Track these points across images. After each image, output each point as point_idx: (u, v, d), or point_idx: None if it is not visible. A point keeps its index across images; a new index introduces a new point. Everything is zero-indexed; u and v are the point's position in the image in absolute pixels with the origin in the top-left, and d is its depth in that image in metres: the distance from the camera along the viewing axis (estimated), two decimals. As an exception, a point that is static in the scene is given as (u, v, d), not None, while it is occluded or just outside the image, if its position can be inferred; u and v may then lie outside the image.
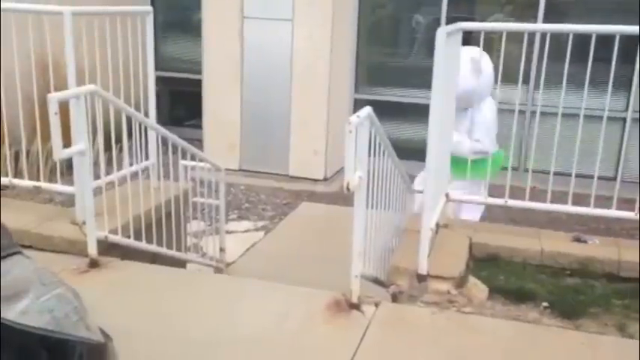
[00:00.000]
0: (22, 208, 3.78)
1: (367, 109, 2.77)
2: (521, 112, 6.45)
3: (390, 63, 7.37)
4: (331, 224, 5.01)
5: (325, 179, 6.56)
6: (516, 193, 3.64)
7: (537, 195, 3.61)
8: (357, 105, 6.94)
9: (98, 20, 3.51)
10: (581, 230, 4.10)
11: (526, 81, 6.35)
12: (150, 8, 3.82)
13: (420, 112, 6.94)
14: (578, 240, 3.48)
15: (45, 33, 3.51)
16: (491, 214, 4.88)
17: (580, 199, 3.60)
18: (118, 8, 3.63)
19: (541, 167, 4.16)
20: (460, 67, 3.77)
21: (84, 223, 3.17)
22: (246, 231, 5.44)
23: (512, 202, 3.58)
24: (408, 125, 7.08)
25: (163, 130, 3.74)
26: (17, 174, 3.88)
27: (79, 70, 3.33)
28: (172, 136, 3.74)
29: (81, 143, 2.91)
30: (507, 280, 3.17)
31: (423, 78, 7.11)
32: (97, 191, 3.27)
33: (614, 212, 3.44)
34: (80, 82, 3.29)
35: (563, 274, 3.24)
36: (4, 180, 3.79)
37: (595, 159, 3.43)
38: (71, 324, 1.19)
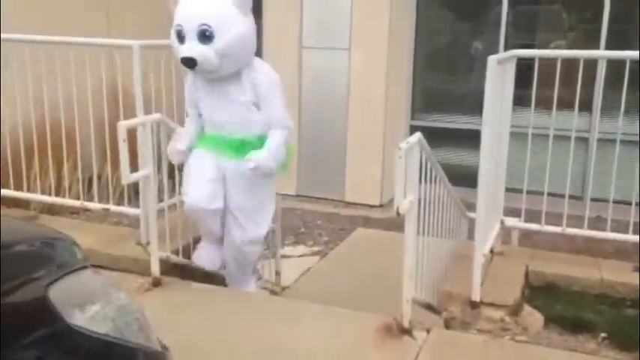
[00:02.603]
0: (93, 229, 4.02)
1: (417, 135, 2.82)
2: (584, 139, 6.30)
3: (447, 89, 7.37)
4: (386, 250, 5.02)
5: (381, 205, 6.59)
6: (578, 222, 3.57)
7: (602, 224, 3.54)
8: (413, 131, 6.92)
9: (166, 52, 3.73)
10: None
11: (588, 108, 6.21)
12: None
13: (477, 139, 6.89)
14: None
15: (116, 64, 3.76)
16: (552, 244, 4.75)
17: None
18: (183, 41, 3.84)
19: (603, 195, 4.06)
20: (222, 9, 2.84)
21: (148, 243, 3.34)
22: (301, 255, 5.51)
23: (570, 230, 3.52)
24: (465, 152, 7.03)
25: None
26: (89, 197, 4.12)
27: (146, 98, 3.54)
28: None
29: (147, 168, 3.09)
30: (565, 309, 3.11)
31: (481, 105, 7.07)
32: (161, 214, 3.44)
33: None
34: (147, 110, 3.50)
35: (624, 305, 3.15)
36: (76, 203, 4.04)
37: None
38: (132, 333, 1.30)
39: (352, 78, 6.50)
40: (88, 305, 1.26)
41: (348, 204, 6.61)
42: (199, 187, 3.04)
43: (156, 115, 3.23)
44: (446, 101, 7.27)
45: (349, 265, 5.11)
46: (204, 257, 3.34)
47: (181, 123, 3.67)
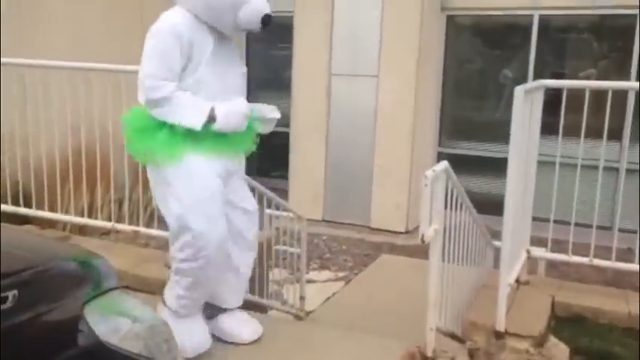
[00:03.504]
0: (122, 251, 4.11)
1: (444, 164, 2.85)
2: (613, 169, 6.22)
3: (474, 117, 7.39)
4: (410, 277, 5.01)
5: (407, 232, 6.59)
6: (607, 253, 3.53)
7: (631, 256, 3.50)
8: (440, 159, 6.96)
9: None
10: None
11: (618, 138, 6.14)
12: (245, 68, 4.14)
13: (504, 167, 6.87)
14: (670, 304, 3.31)
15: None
16: (580, 275, 4.69)
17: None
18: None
19: (633, 226, 4.00)
20: None
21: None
22: (326, 280, 5.54)
23: (597, 261, 3.48)
24: (492, 179, 7.00)
25: (251, 181, 3.97)
26: (119, 219, 4.23)
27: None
28: (259, 186, 3.96)
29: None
30: (591, 341, 3.06)
31: (508, 133, 7.07)
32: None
33: None
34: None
35: (653, 339, 3.09)
36: (108, 224, 4.15)
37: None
38: (161, 353, 1.35)
39: (380, 105, 6.57)
40: (121, 325, 1.31)
41: (374, 230, 6.63)
42: (217, 229, 2.49)
43: (187, 140, 3.31)
44: (473, 129, 7.28)
45: (373, 291, 5.11)
46: (201, 335, 2.65)
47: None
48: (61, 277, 1.33)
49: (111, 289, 1.44)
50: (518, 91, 2.95)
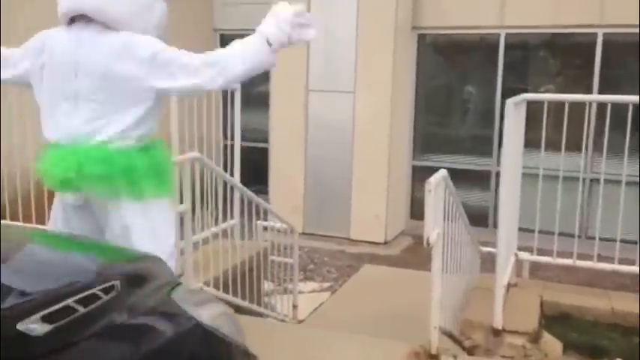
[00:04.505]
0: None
1: (442, 172, 3.02)
2: (576, 179, 6.55)
3: (443, 132, 7.68)
4: (394, 286, 5.19)
5: (385, 242, 6.77)
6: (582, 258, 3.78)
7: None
8: (415, 171, 7.24)
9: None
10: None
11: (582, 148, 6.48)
12: (238, 85, 4.26)
13: (473, 178, 7.18)
14: (647, 300, 3.57)
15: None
16: (560, 278, 4.94)
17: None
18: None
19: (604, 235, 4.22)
20: None
21: (181, 275, 3.46)
22: (312, 291, 5.66)
23: (580, 263, 3.72)
24: (461, 191, 7.27)
25: (249, 192, 4.08)
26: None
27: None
28: (257, 199, 4.07)
29: (186, 203, 3.26)
30: (580, 337, 3.28)
31: (474, 145, 7.43)
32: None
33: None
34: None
35: (635, 333, 3.33)
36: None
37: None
38: (240, 336, 1.46)
39: (357, 120, 6.77)
40: (204, 311, 1.42)
41: (353, 241, 6.79)
42: None
43: (194, 154, 3.41)
44: (443, 142, 7.56)
45: (361, 299, 5.25)
46: None
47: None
48: (144, 270, 1.43)
49: (179, 283, 1.55)
50: (509, 103, 3.17)
